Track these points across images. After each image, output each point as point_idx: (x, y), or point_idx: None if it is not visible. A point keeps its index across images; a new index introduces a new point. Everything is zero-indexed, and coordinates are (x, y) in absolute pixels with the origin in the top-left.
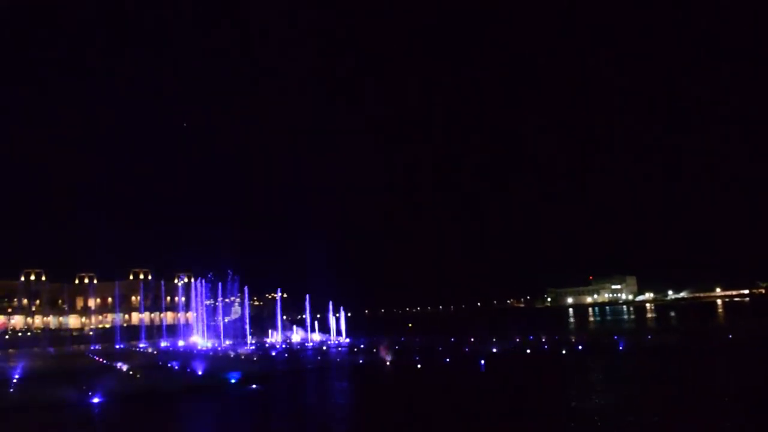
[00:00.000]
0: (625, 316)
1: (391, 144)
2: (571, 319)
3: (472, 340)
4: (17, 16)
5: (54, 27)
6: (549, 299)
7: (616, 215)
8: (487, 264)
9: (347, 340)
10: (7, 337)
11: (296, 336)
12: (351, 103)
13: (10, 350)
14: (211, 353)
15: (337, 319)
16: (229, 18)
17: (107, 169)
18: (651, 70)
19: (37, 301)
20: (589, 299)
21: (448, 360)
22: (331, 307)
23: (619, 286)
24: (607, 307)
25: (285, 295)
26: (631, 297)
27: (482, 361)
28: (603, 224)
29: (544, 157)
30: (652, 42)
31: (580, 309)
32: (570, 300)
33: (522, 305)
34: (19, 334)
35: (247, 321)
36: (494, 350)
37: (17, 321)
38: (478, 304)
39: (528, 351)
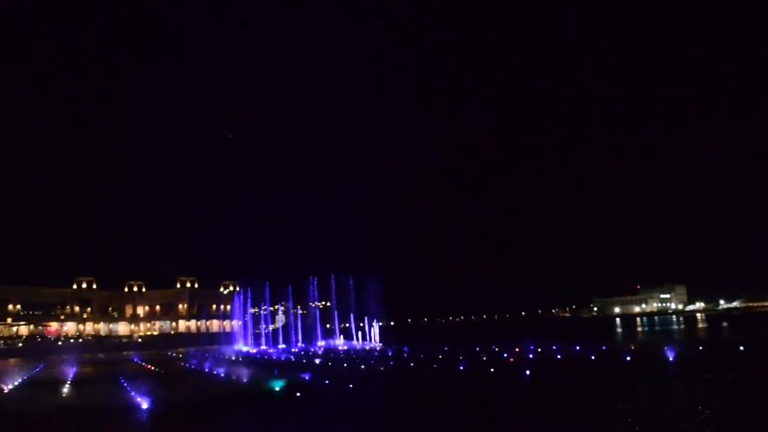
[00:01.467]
0: (675, 326)
1: (431, 151)
2: (619, 329)
3: (517, 349)
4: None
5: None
6: (595, 309)
7: (666, 223)
8: (532, 273)
9: (379, 344)
10: (60, 343)
11: (338, 342)
12: (388, 115)
13: (63, 356)
14: (257, 360)
15: (380, 327)
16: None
17: (154, 181)
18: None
19: (88, 309)
20: (636, 309)
21: (492, 370)
22: (368, 315)
23: (668, 296)
24: (656, 317)
25: (328, 304)
26: (680, 307)
27: (527, 371)
28: (652, 232)
29: (589, 163)
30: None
31: (628, 319)
32: (617, 309)
33: (567, 315)
34: (71, 340)
35: (298, 328)
36: (538, 359)
37: (69, 328)
38: (522, 313)
39: (573, 360)
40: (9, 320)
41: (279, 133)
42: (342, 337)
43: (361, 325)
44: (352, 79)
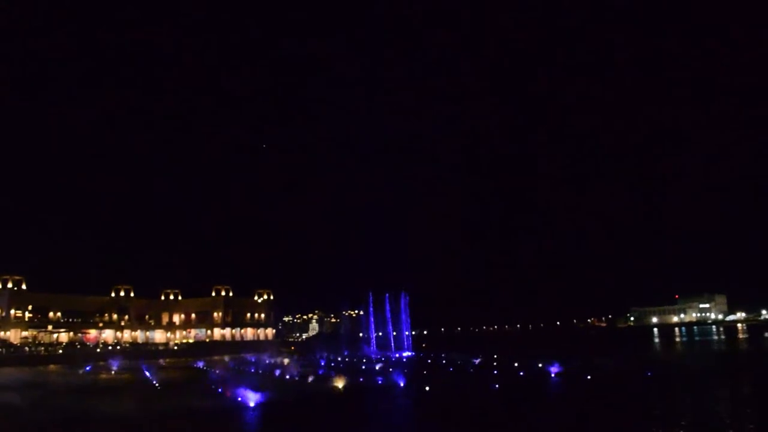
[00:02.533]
0: (715, 337)
1: (468, 162)
2: (656, 339)
3: (548, 359)
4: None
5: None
6: (632, 318)
7: (705, 231)
8: (567, 282)
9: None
10: (98, 350)
11: (372, 351)
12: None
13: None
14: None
15: (414, 336)
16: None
17: (190, 195)
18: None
19: (126, 317)
20: (675, 319)
21: (522, 373)
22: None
23: (707, 305)
24: (695, 327)
25: (361, 313)
26: (720, 317)
27: (554, 379)
28: (690, 240)
29: (627, 171)
30: None
31: (666, 329)
32: (655, 319)
33: (603, 324)
34: (109, 347)
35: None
36: (567, 370)
37: (107, 335)
38: (558, 323)
39: (604, 372)
40: (50, 327)
41: (308, 147)
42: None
43: (395, 334)
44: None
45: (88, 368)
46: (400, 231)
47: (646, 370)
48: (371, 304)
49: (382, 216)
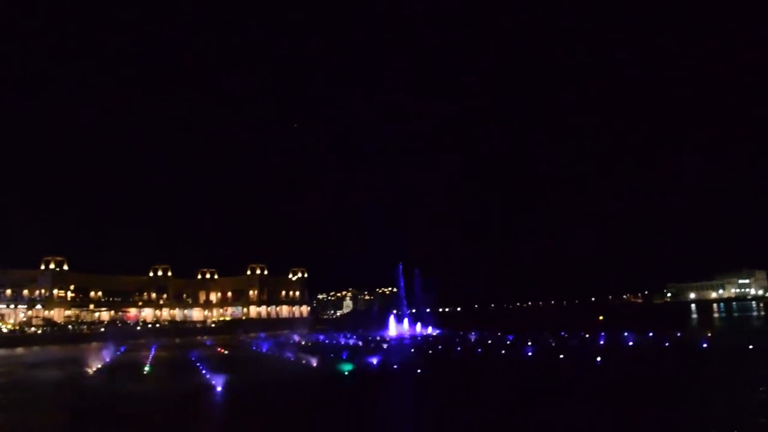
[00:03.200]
0: (755, 313)
1: (513, 134)
2: (694, 316)
3: (586, 336)
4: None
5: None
6: (669, 294)
7: (744, 203)
8: (602, 257)
9: (439, 331)
10: (138, 328)
11: (404, 328)
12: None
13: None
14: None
15: (446, 313)
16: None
17: (225, 175)
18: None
19: (164, 295)
20: (713, 294)
21: (562, 356)
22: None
23: (747, 281)
24: (734, 303)
25: (394, 290)
26: (761, 292)
27: (598, 359)
28: (730, 213)
29: (663, 144)
30: None
31: (704, 305)
32: (692, 295)
33: (639, 300)
34: (149, 325)
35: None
36: (605, 345)
37: (147, 313)
38: (592, 299)
39: (646, 347)
40: (91, 306)
41: (337, 127)
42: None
43: (428, 311)
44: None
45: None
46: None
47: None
48: (401, 276)
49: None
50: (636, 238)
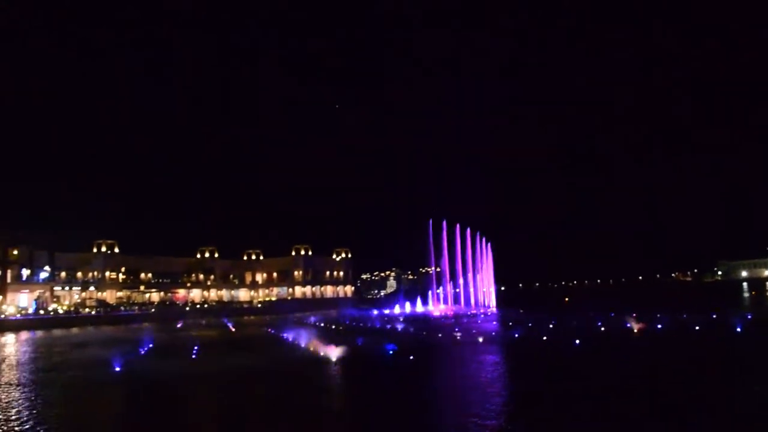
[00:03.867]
0: None
1: (553, 117)
2: (746, 294)
3: (635, 315)
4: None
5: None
6: (719, 272)
7: None
8: (650, 234)
9: (489, 309)
10: (187, 308)
11: (443, 307)
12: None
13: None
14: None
15: (495, 292)
16: None
17: (268, 158)
18: None
19: (211, 277)
20: (767, 272)
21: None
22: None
23: None
24: None
25: (438, 269)
26: None
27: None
28: None
29: (713, 117)
30: None
31: (757, 283)
32: (744, 273)
33: (689, 279)
34: (197, 306)
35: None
36: (659, 326)
37: (195, 294)
38: (639, 277)
39: (697, 328)
40: (142, 288)
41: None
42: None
43: (472, 290)
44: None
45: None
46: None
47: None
48: (431, 234)
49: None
50: (686, 213)
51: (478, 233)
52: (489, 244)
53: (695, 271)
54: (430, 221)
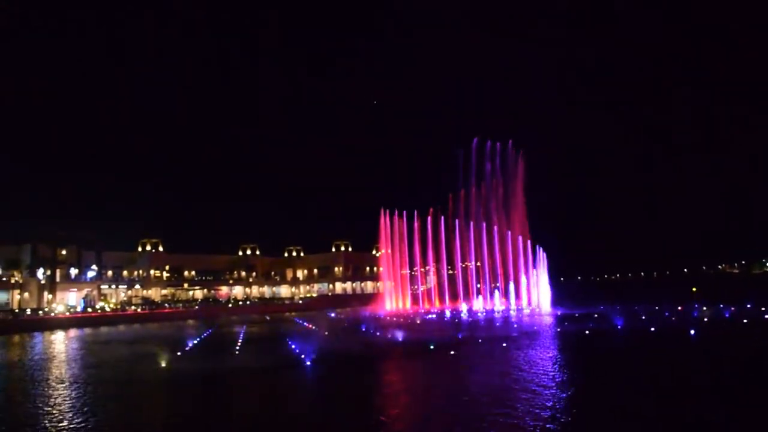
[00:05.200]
0: None
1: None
2: None
3: (680, 308)
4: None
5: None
6: None
7: None
8: (696, 224)
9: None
10: (230, 305)
11: (497, 304)
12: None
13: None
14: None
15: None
16: None
17: (307, 154)
18: None
19: (253, 273)
20: None
21: (653, 329)
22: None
23: None
24: None
25: (479, 264)
26: None
27: (692, 332)
28: None
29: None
30: None
31: None
32: None
33: (736, 271)
34: (240, 303)
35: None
36: (705, 320)
37: (237, 291)
38: (685, 270)
39: (745, 321)
40: (185, 285)
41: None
42: (497, 298)
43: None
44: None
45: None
46: None
47: None
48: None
49: None
50: (734, 202)
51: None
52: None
53: (743, 262)
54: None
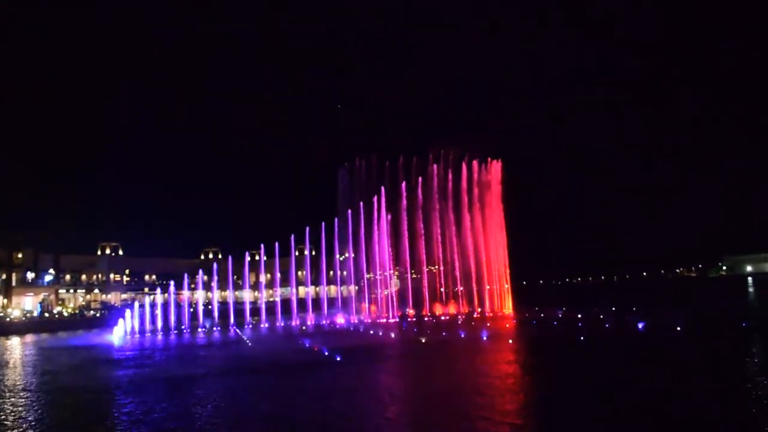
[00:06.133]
0: None
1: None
2: (751, 289)
3: (636, 310)
4: None
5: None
6: (724, 267)
7: None
8: (654, 228)
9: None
10: (191, 310)
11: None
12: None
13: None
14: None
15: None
16: None
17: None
18: None
19: (215, 278)
20: None
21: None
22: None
23: None
24: None
25: (442, 268)
26: None
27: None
28: None
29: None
30: None
31: (762, 279)
32: (749, 268)
33: (693, 274)
34: (202, 307)
35: None
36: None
37: (199, 295)
38: (644, 273)
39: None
40: (146, 290)
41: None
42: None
43: (488, 287)
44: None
45: None
46: None
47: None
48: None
49: None
50: (691, 206)
51: None
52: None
53: (700, 266)
54: None
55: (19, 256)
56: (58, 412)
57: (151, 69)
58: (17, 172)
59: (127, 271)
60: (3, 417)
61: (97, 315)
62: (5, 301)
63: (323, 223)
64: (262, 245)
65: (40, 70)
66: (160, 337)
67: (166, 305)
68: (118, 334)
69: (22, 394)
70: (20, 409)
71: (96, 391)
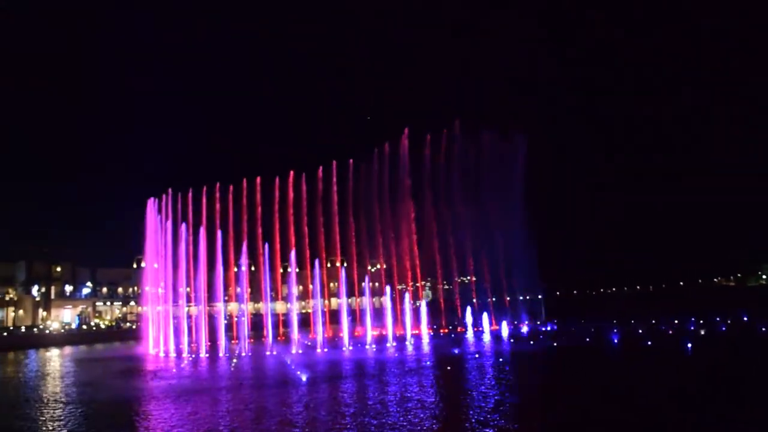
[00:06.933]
0: None
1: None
2: None
3: (676, 321)
4: None
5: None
6: (765, 276)
7: None
8: (689, 236)
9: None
10: (225, 321)
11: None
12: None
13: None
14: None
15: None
16: None
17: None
18: None
19: (249, 290)
20: None
21: (649, 343)
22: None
23: None
24: None
25: (474, 279)
26: None
27: (689, 345)
28: None
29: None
30: None
31: None
32: None
33: (732, 284)
34: (235, 319)
35: None
36: (702, 333)
37: (232, 308)
38: (681, 283)
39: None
40: (181, 302)
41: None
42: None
43: (526, 298)
44: None
45: None
46: None
47: None
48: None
49: None
50: (728, 213)
51: None
52: None
53: (738, 275)
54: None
55: (58, 269)
56: (94, 423)
57: (170, 78)
58: (58, 185)
59: (162, 284)
60: (44, 427)
61: (133, 327)
62: (44, 313)
63: None
64: (292, 255)
65: (76, 89)
66: (195, 348)
67: (199, 317)
68: (153, 346)
69: (61, 406)
70: (58, 423)
71: (130, 401)
